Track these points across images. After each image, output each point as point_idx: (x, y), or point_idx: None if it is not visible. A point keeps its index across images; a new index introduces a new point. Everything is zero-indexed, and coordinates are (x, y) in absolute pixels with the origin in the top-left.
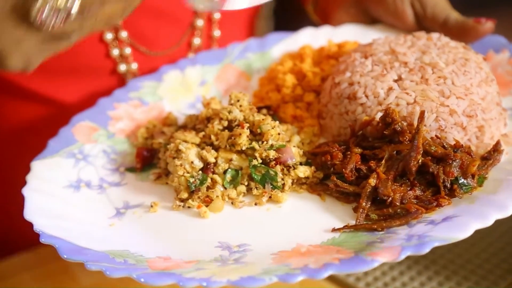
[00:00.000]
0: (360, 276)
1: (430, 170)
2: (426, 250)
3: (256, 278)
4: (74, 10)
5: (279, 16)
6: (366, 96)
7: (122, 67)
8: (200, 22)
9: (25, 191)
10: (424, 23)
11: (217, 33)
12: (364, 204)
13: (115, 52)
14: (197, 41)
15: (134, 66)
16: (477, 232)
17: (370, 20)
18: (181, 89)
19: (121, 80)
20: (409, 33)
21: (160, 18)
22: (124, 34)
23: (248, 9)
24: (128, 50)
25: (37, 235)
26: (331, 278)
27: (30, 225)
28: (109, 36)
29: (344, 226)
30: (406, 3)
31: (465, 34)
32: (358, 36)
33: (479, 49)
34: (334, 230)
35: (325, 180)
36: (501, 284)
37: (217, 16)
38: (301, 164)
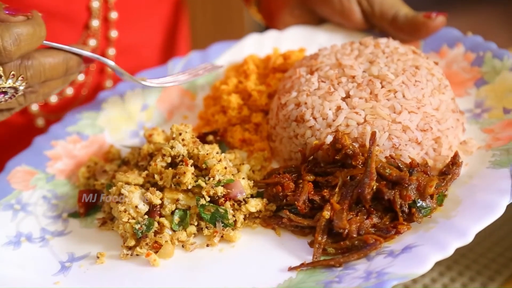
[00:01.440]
0: None
1: (386, 197)
2: None
3: None
4: (21, 88)
5: None
6: (314, 118)
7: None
8: (95, 23)
9: None
10: (373, 20)
11: (114, 33)
12: (320, 238)
13: None
14: (92, 42)
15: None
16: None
17: (317, 20)
18: (122, 117)
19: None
20: (358, 37)
21: (53, 19)
22: None
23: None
24: None
25: None
26: None
27: None
28: None
29: (300, 265)
30: (352, 1)
31: (416, 30)
32: (304, 39)
33: (432, 44)
34: (290, 269)
35: (279, 211)
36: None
37: (114, 16)
38: (252, 196)
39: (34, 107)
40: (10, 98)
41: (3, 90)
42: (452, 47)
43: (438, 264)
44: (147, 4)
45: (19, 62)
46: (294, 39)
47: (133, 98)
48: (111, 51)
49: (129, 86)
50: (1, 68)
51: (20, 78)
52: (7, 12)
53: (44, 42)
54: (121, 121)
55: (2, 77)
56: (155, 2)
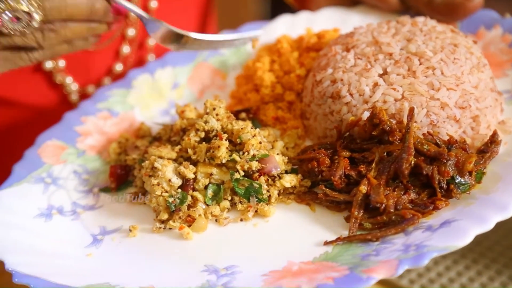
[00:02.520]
0: None
1: (424, 172)
2: (425, 261)
3: None
4: (36, 17)
5: None
6: (351, 95)
7: (48, 64)
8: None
9: None
10: (408, 2)
11: (154, 4)
12: (356, 213)
13: None
14: (131, 32)
15: (62, 63)
16: None
17: (350, 2)
18: (153, 95)
19: (48, 78)
20: (393, 18)
21: None
22: None
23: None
24: None
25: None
26: None
27: None
28: None
29: (336, 239)
30: None
31: (453, 12)
32: (338, 21)
33: (469, 26)
34: (326, 243)
35: (314, 187)
36: None
37: (154, 5)
38: (286, 172)
39: (74, 97)
40: (25, 27)
41: (17, 15)
42: (489, 29)
43: (456, 263)
44: None
45: None
46: (327, 21)
47: (164, 76)
48: (151, 41)
49: (160, 64)
50: None
51: (35, 4)
52: None
53: None
54: (152, 99)
55: None
56: None
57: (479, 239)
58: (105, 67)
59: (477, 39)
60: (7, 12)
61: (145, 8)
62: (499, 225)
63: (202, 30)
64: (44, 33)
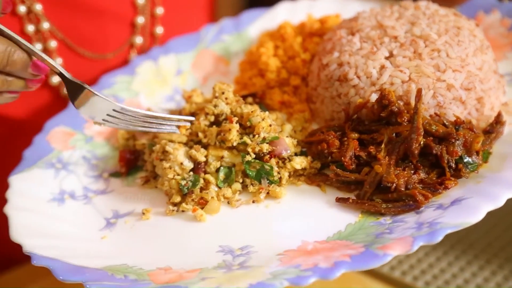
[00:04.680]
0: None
1: (434, 151)
2: (439, 238)
3: (266, 283)
4: None
5: None
6: (358, 77)
7: (55, 79)
8: (141, 20)
9: (8, 210)
10: None
11: (159, 30)
12: (368, 187)
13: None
14: (139, 40)
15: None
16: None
17: None
18: (157, 82)
19: (56, 92)
20: (395, 3)
21: (101, 16)
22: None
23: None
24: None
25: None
26: None
27: (13, 243)
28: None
29: (348, 198)
30: None
31: None
32: (339, 7)
33: (468, 11)
34: (338, 199)
35: (323, 169)
36: None
37: (160, 11)
38: (296, 154)
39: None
40: None
41: None
42: (488, 13)
43: (469, 264)
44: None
45: None
46: (327, 7)
47: (167, 63)
48: None
49: (162, 51)
50: None
51: None
52: None
53: None
54: (156, 86)
55: None
56: None
57: (480, 236)
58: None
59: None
60: None
61: (152, 16)
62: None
63: None
64: None
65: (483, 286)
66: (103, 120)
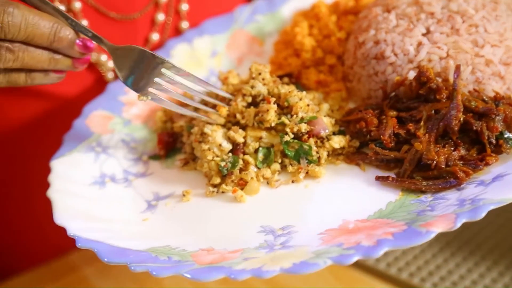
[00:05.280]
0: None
1: (474, 127)
2: (482, 214)
3: (309, 263)
4: None
5: None
6: (395, 55)
7: None
8: None
9: (51, 193)
10: None
11: (185, 6)
12: (408, 165)
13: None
14: (161, 16)
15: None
16: None
17: None
18: (192, 63)
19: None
20: None
21: None
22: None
23: None
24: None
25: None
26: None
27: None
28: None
29: (388, 176)
30: None
31: None
32: None
33: None
34: (377, 178)
35: (362, 148)
36: None
37: None
38: (334, 134)
39: (110, 75)
40: None
41: None
42: None
43: (477, 265)
44: None
45: None
46: None
47: (202, 45)
48: (185, 25)
49: (197, 33)
50: None
51: None
52: None
53: None
54: (191, 68)
55: None
56: None
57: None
58: (141, 38)
59: None
60: None
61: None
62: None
63: None
64: (1, 52)
65: (490, 287)
66: (150, 90)
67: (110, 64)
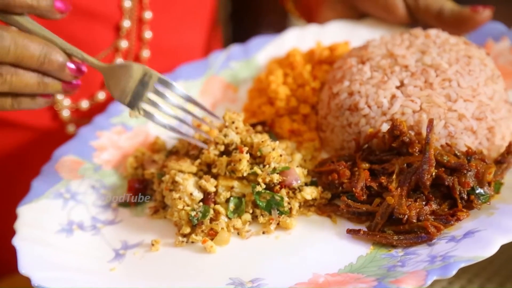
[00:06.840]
0: None
1: (446, 183)
2: (453, 272)
3: None
4: None
5: (237, 20)
6: (369, 107)
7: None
8: (127, 23)
9: (17, 241)
10: (417, 15)
11: (148, 34)
12: (379, 218)
13: None
14: (124, 44)
15: None
16: None
17: (357, 15)
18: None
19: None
20: (405, 31)
21: (86, 18)
22: None
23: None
24: None
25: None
26: None
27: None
28: None
29: (359, 230)
30: None
31: (461, 25)
32: (347, 34)
33: (477, 38)
34: (348, 231)
35: (334, 200)
36: None
37: (148, 16)
38: (306, 184)
39: (65, 113)
40: None
41: None
42: (497, 41)
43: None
44: (183, 4)
45: None
46: (335, 34)
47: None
48: (146, 53)
49: (171, 78)
50: None
51: None
52: None
53: (29, 20)
54: (165, 113)
55: None
56: (192, 2)
57: None
58: (99, 79)
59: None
60: None
61: (140, 20)
62: None
63: (208, 47)
64: None
65: None
66: (143, 104)
67: (66, 102)
